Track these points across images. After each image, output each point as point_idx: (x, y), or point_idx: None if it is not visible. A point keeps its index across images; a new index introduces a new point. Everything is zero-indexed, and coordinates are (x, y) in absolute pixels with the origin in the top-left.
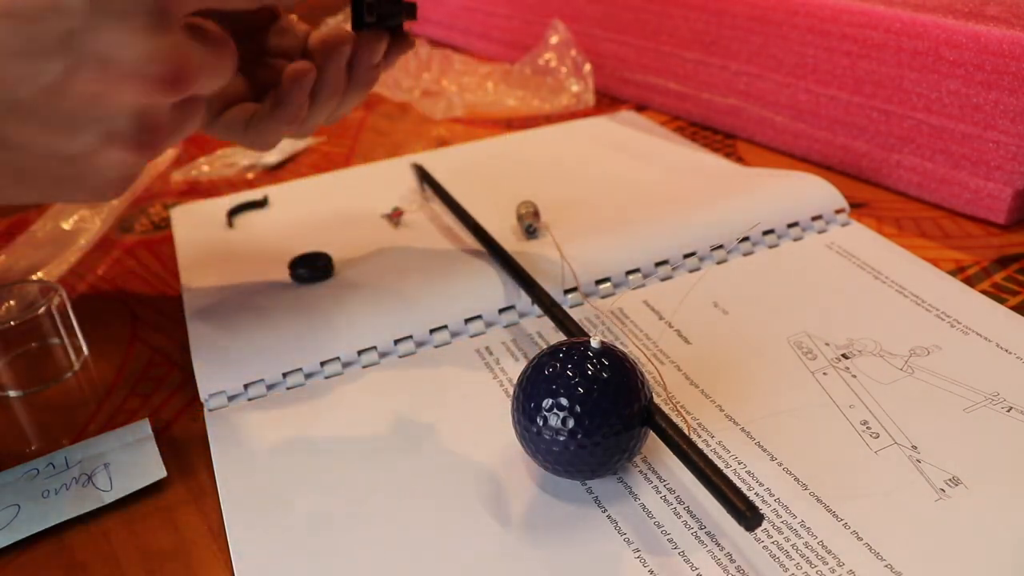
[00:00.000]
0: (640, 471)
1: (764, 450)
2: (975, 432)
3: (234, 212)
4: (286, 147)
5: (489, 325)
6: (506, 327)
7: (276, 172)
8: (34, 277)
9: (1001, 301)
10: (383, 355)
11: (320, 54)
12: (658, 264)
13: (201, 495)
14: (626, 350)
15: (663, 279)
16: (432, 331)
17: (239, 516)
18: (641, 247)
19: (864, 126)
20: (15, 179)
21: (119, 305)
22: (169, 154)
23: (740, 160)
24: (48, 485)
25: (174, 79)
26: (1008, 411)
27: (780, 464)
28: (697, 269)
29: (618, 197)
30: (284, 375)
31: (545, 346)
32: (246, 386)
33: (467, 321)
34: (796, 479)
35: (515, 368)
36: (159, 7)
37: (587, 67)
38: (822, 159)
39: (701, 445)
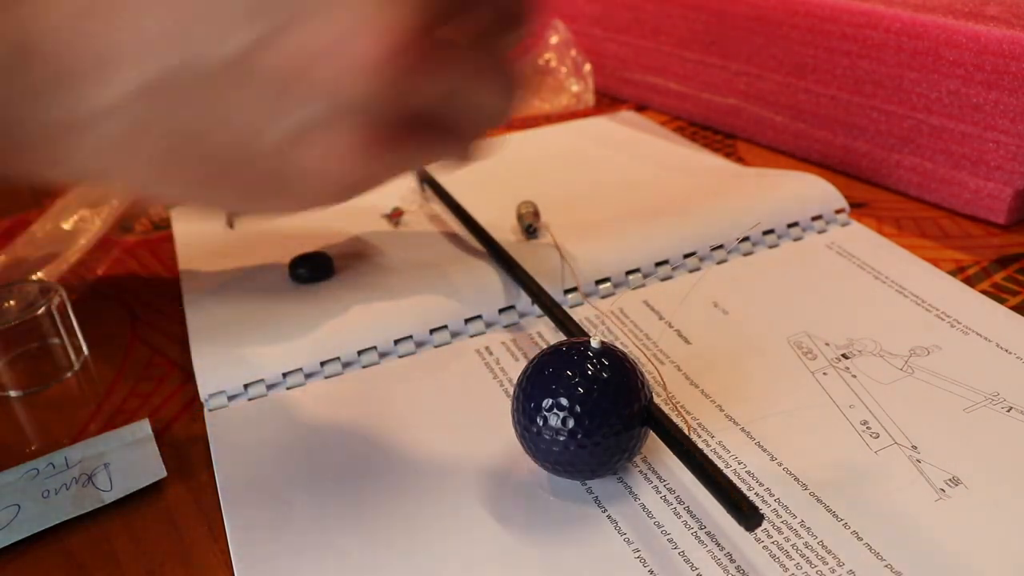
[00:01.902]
0: (640, 471)
1: (764, 450)
2: (975, 432)
3: (234, 212)
4: None
5: (489, 325)
6: (506, 327)
7: None
8: (34, 277)
9: (1001, 301)
10: (383, 355)
11: None
12: (658, 264)
13: (201, 495)
14: (626, 350)
15: (663, 279)
16: (432, 331)
17: (239, 516)
18: (641, 247)
19: (864, 126)
20: (207, 178)
21: (119, 305)
22: None
23: (740, 160)
24: (48, 485)
25: (390, 55)
26: (1008, 411)
27: (780, 464)
28: (697, 269)
29: (618, 197)
30: (284, 375)
31: (545, 346)
32: (246, 386)
33: (467, 321)
34: (796, 479)
35: (515, 368)
36: None
37: (587, 67)
38: (822, 159)
39: (701, 445)
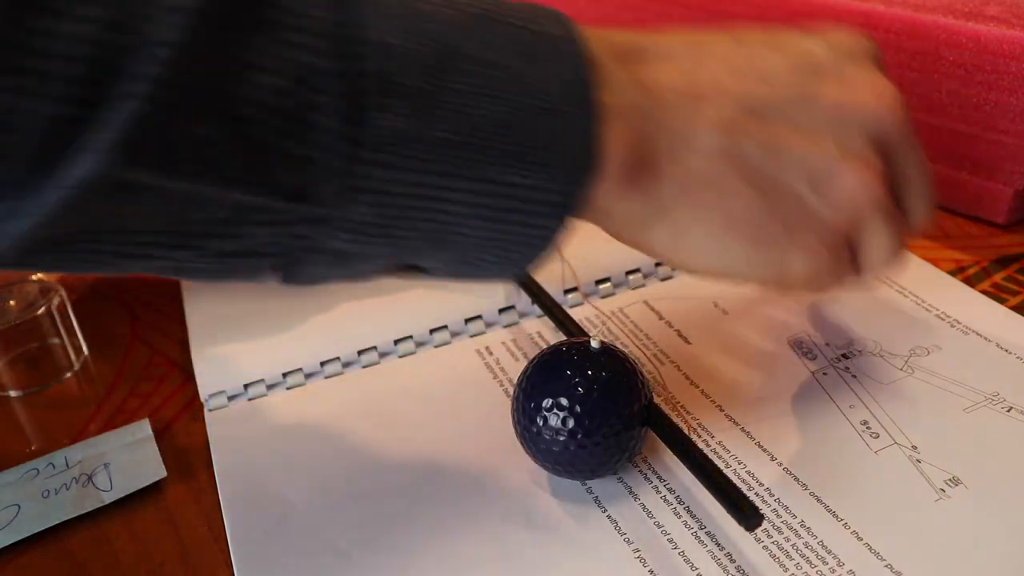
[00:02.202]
0: (640, 471)
1: (764, 450)
2: (975, 432)
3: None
4: None
5: (489, 325)
6: (506, 327)
7: None
8: (34, 277)
9: (1001, 301)
10: (383, 355)
11: None
12: (658, 264)
13: (201, 495)
14: (626, 350)
15: (663, 279)
16: (432, 331)
17: (239, 516)
18: None
19: None
20: (755, 230)
21: (119, 305)
22: None
23: None
24: (48, 485)
25: (894, 104)
26: (1008, 411)
27: (780, 464)
28: None
29: None
30: (284, 375)
31: (545, 346)
32: (246, 386)
33: (467, 321)
34: (796, 479)
35: (515, 368)
36: (877, 58)
37: None
38: None
39: (701, 445)
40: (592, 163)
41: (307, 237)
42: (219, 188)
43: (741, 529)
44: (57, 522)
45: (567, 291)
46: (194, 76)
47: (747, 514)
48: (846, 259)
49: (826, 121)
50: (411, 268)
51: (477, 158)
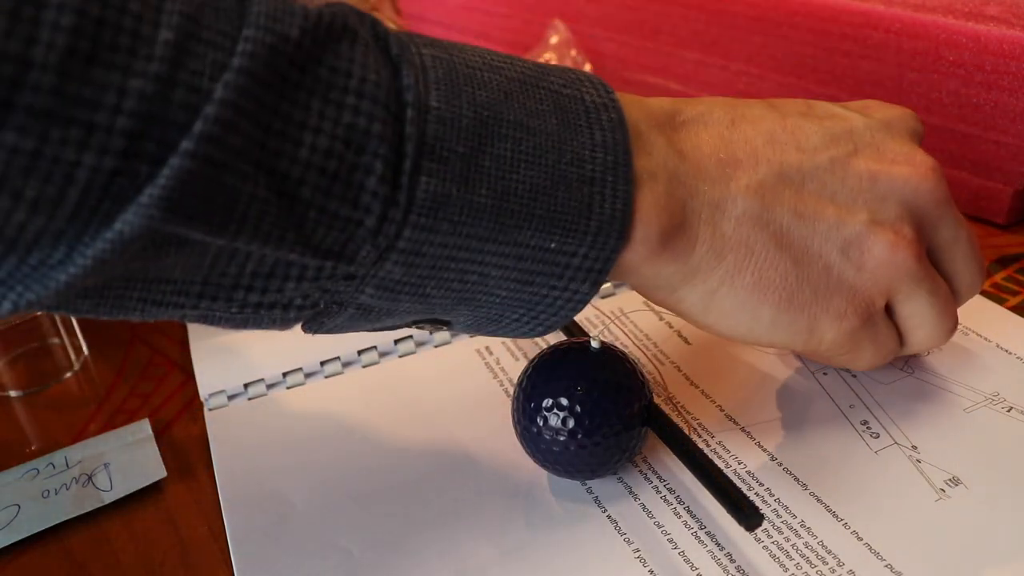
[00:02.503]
0: (640, 471)
1: (764, 450)
2: (975, 432)
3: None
4: None
5: None
6: None
7: None
8: None
9: (1001, 301)
10: (383, 355)
11: None
12: None
13: (201, 495)
14: (626, 350)
15: None
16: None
17: (239, 516)
18: None
19: None
20: (784, 294)
21: None
22: None
23: None
24: (48, 485)
25: (929, 175)
26: (1008, 411)
27: (780, 464)
28: None
29: None
30: (284, 375)
31: (545, 346)
32: (246, 386)
33: None
34: (796, 479)
35: (515, 368)
36: (918, 134)
37: (587, 67)
38: None
39: (701, 445)
40: (626, 230)
41: (337, 292)
42: (258, 244)
43: (741, 529)
44: (57, 522)
45: None
46: (241, 134)
47: (747, 514)
48: (884, 330)
49: (860, 191)
50: (437, 322)
51: (513, 223)
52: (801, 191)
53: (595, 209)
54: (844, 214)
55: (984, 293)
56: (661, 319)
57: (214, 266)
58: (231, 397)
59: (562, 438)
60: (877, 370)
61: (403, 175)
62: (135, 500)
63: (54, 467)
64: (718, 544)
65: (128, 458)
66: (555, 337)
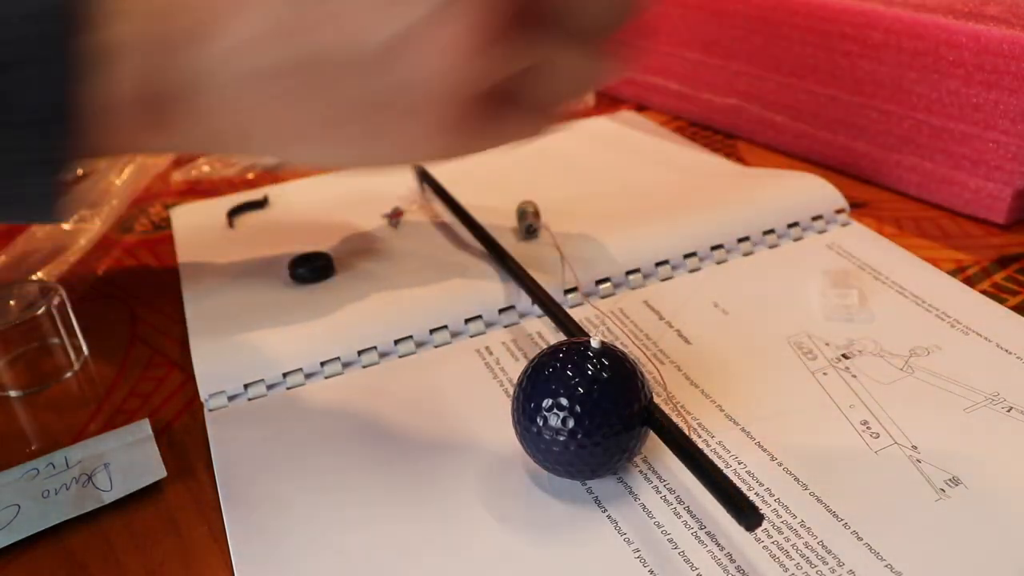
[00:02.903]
0: (640, 471)
1: (764, 450)
2: (975, 432)
3: (234, 212)
4: None
5: (489, 325)
6: (506, 327)
7: (276, 172)
8: (34, 277)
9: (1001, 301)
10: (383, 355)
11: None
12: (658, 264)
13: (201, 495)
14: (626, 350)
15: (663, 279)
16: (432, 331)
17: (239, 516)
18: (641, 247)
19: (864, 126)
20: (325, 119)
21: (119, 305)
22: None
23: (740, 160)
24: (48, 485)
25: None
26: (1008, 411)
27: (780, 464)
28: (697, 269)
29: (618, 197)
30: (284, 375)
31: (545, 346)
32: (246, 386)
33: (467, 321)
34: (796, 479)
35: (515, 368)
36: None
37: None
38: (822, 159)
39: (701, 445)
40: (70, 118)
41: None
42: None
43: (741, 529)
44: (57, 522)
45: (567, 291)
46: None
47: (747, 514)
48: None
49: None
50: None
51: None
52: (312, 8)
53: (28, 99)
54: (377, 21)
55: (984, 293)
56: (661, 319)
57: None
58: (231, 398)
59: (562, 438)
60: (877, 370)
61: None
62: (135, 500)
63: (54, 467)
64: (718, 544)
65: (128, 458)
66: (555, 337)
